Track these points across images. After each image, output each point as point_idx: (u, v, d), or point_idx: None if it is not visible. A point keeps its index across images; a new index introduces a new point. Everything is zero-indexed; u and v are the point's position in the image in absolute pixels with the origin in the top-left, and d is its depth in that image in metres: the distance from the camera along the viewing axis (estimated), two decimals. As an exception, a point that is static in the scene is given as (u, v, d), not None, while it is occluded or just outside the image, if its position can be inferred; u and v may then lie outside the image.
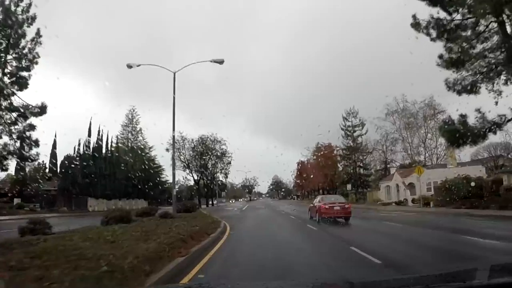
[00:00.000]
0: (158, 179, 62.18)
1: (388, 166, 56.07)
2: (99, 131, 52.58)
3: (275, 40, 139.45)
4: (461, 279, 2.38)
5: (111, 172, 50.83)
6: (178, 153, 56.02)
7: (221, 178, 69.05)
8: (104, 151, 52.46)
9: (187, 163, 59.18)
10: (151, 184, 57.83)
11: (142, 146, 64.18)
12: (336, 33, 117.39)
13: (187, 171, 60.18)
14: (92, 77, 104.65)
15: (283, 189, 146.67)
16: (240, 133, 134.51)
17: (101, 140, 51.11)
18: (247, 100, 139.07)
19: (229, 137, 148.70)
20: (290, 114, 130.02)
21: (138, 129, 65.64)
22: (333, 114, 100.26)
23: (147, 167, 58.43)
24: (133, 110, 66.05)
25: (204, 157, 58.92)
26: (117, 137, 62.15)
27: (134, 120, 67.53)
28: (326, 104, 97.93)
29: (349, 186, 46.17)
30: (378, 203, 40.24)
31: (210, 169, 61.19)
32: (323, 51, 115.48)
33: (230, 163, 60.57)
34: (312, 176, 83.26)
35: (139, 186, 55.71)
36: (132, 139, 65.78)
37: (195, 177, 61.86)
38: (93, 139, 50.10)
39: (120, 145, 62.55)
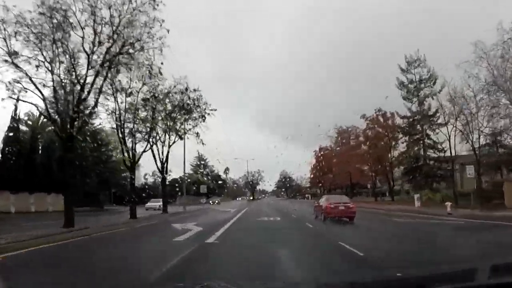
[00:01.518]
0: (100, 160, 36.83)
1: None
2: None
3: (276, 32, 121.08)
4: (461, 279, 2.28)
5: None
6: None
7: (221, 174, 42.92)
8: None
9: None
10: (80, 169, 33.17)
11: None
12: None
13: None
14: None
15: (283, 188, 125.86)
16: (241, 131, 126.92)
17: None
18: (248, 98, 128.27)
19: (230, 134, 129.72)
20: (291, 111, 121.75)
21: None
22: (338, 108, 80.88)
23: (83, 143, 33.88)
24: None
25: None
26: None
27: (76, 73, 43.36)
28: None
29: (469, 169, 20.91)
30: None
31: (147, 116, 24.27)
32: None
33: (203, 117, 26.41)
34: (333, 168, 60.67)
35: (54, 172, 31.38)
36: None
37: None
38: None
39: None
